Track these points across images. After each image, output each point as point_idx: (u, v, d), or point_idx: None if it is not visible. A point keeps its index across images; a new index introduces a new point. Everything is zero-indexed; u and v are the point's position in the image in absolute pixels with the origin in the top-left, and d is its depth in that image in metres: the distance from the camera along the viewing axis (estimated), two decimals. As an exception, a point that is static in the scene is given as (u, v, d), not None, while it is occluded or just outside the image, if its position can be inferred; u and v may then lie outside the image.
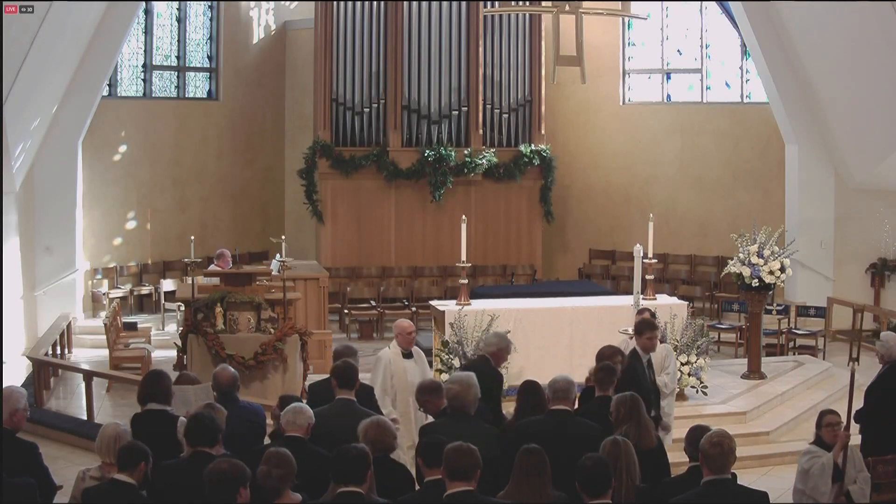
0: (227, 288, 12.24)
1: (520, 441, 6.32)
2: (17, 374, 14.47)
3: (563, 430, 6.89)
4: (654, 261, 12.88)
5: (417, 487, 6.22)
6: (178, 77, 19.58)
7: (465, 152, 18.57)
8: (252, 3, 20.29)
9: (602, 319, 12.31)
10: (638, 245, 11.96)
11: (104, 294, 17.75)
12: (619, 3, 15.29)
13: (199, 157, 19.59)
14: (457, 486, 5.63)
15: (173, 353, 13.42)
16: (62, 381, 14.36)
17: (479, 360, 9.27)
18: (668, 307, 12.41)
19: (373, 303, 17.76)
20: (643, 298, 12.05)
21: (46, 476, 6.74)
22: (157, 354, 15.16)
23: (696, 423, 6.72)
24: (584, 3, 14.58)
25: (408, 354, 9.51)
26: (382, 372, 9.34)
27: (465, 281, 12.60)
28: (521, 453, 5.93)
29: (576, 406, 7.48)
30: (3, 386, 6.99)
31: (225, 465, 5.50)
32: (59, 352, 15.09)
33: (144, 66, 19.04)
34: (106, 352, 14.76)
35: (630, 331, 10.13)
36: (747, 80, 19.14)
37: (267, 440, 7.33)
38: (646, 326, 9.31)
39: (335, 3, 18.48)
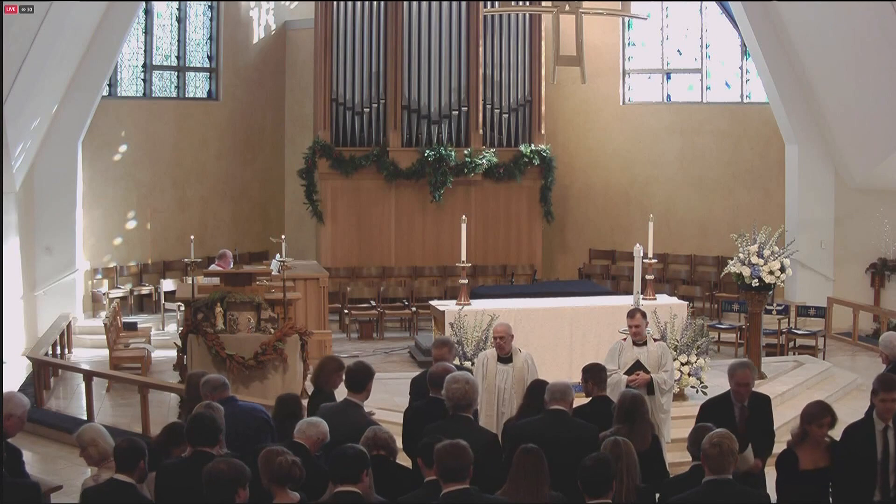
0: (227, 288, 12.24)
1: (516, 442, 6.32)
2: (17, 374, 14.47)
3: (558, 432, 6.87)
4: (654, 261, 12.88)
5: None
6: (178, 77, 19.58)
7: (465, 152, 18.56)
8: (252, 3, 20.29)
9: (602, 319, 12.31)
10: (638, 245, 11.96)
11: (104, 294, 17.74)
12: (619, 3, 15.30)
13: (199, 157, 19.59)
14: (452, 486, 5.62)
15: (173, 353, 13.43)
16: (62, 381, 14.36)
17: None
18: (668, 307, 12.40)
19: (373, 303, 17.76)
20: (643, 298, 12.05)
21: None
22: (157, 354, 15.17)
23: (701, 424, 6.71)
24: (584, 3, 14.60)
25: (505, 359, 9.38)
26: (477, 372, 9.39)
27: (465, 281, 12.59)
28: (519, 453, 5.93)
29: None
30: (6, 391, 6.95)
31: (223, 466, 5.49)
32: (59, 352, 15.09)
33: (144, 66, 19.04)
34: (106, 352, 14.76)
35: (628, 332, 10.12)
36: (747, 80, 19.14)
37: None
38: (882, 385, 6.99)
39: (335, 3, 18.48)
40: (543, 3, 15.20)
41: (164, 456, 6.93)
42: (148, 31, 18.99)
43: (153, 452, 6.96)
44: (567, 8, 14.51)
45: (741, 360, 7.92)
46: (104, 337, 14.86)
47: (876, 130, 16.33)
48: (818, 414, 6.85)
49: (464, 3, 18.69)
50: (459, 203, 18.48)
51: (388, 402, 11.44)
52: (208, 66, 19.88)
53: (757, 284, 12.97)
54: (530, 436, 6.47)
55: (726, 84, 19.51)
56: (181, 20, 19.48)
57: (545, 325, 12.37)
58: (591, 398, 7.86)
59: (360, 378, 7.41)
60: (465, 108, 18.72)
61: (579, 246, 20.41)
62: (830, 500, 6.95)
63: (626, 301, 12.22)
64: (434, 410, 7.28)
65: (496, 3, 18.83)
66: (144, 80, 19.09)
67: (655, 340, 10.31)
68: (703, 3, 19.37)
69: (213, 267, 14.53)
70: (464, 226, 12.54)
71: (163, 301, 18.01)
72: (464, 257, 12.51)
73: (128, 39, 17.84)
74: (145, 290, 18.52)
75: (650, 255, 12.70)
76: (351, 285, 18.05)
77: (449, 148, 18.49)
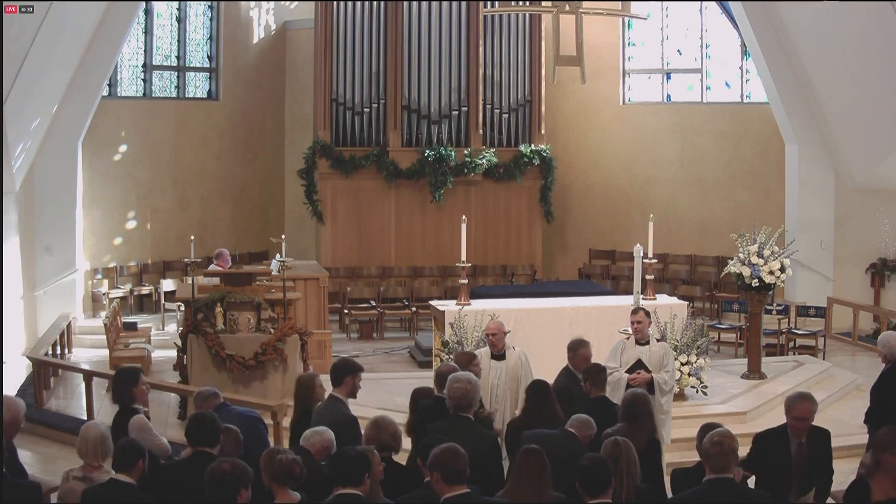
0: (227, 288, 12.24)
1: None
2: (17, 374, 14.47)
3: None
4: (654, 261, 12.87)
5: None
6: (178, 77, 19.57)
7: (465, 152, 18.56)
8: (252, 3, 20.29)
9: (602, 319, 12.30)
10: (638, 245, 11.95)
11: (104, 294, 17.75)
12: (619, 3, 15.29)
13: (199, 157, 19.58)
14: (454, 489, 5.61)
15: (173, 353, 13.42)
16: (62, 381, 14.35)
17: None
18: (668, 307, 12.41)
19: (373, 303, 17.76)
20: (643, 298, 12.04)
21: None
22: (157, 354, 15.17)
23: (709, 422, 6.73)
24: (584, 3, 14.59)
25: (498, 356, 9.41)
26: None
27: (465, 281, 12.59)
28: (522, 453, 5.93)
29: None
30: (4, 395, 6.94)
31: (226, 466, 5.50)
32: (59, 352, 15.09)
33: (144, 66, 19.04)
34: (106, 352, 14.76)
35: (629, 331, 10.13)
36: (747, 80, 19.14)
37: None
38: None
39: (335, 3, 18.48)
40: (543, 3, 15.19)
41: (128, 399, 7.07)
42: (148, 31, 18.98)
43: (119, 399, 7.33)
44: (567, 8, 14.50)
45: (801, 392, 7.05)
46: (104, 337, 14.86)
47: (876, 130, 16.33)
48: (892, 442, 6.21)
49: (464, 3, 18.69)
50: (459, 203, 18.48)
51: (388, 403, 11.44)
52: (208, 66, 19.88)
53: (757, 284, 12.97)
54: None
55: (726, 84, 19.51)
56: (181, 20, 19.48)
57: (545, 325, 12.35)
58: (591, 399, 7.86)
59: (338, 373, 7.53)
60: (465, 108, 18.72)
61: (579, 246, 20.41)
62: None
63: (626, 301, 12.22)
64: (440, 409, 7.28)
65: (496, 3, 18.83)
66: (144, 80, 19.09)
67: (658, 341, 10.31)
68: (703, 3, 19.37)
69: (212, 267, 14.53)
70: (464, 226, 12.53)
71: (163, 301, 18.01)
72: (464, 257, 12.50)
73: (128, 39, 17.84)
74: (145, 290, 18.52)
75: (650, 255, 12.69)
76: (351, 285, 18.05)
77: (449, 148, 18.49)
